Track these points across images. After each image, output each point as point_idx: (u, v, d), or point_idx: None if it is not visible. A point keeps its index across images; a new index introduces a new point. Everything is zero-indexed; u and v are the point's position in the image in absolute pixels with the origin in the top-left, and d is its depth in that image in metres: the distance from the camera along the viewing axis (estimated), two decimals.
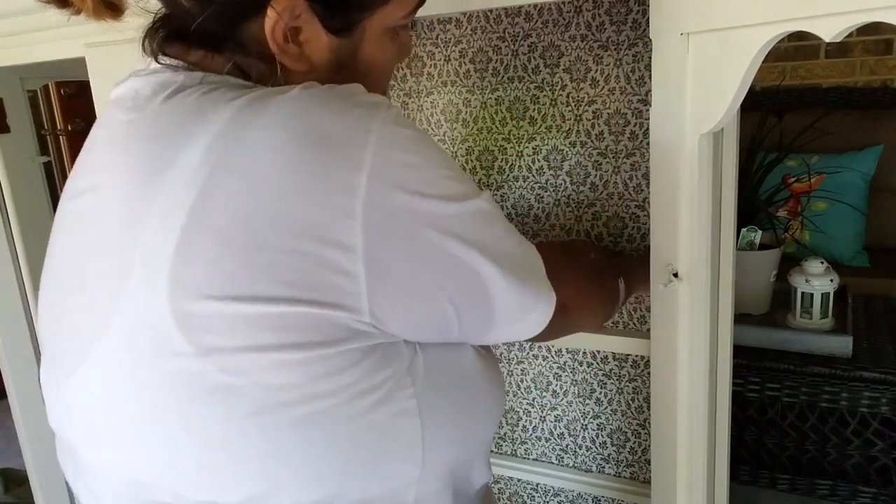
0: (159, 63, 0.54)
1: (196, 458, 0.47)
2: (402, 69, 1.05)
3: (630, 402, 1.03)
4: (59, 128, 2.07)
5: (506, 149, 1.02)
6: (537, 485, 1.14)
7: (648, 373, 0.94)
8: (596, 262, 0.87)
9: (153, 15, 0.57)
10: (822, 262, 1.59)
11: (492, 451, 1.16)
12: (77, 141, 2.04)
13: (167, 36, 0.55)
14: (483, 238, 0.52)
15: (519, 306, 0.56)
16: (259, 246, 0.44)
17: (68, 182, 0.56)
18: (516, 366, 1.10)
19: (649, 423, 0.88)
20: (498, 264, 0.52)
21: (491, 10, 0.97)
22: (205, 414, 0.46)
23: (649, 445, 1.01)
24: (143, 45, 0.56)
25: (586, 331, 0.99)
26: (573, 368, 1.06)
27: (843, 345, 1.58)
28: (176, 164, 0.47)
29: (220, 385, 0.45)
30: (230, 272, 0.44)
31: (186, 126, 0.48)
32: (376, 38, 0.58)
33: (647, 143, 0.90)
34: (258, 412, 0.46)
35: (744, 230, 1.62)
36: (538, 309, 0.57)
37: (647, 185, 0.93)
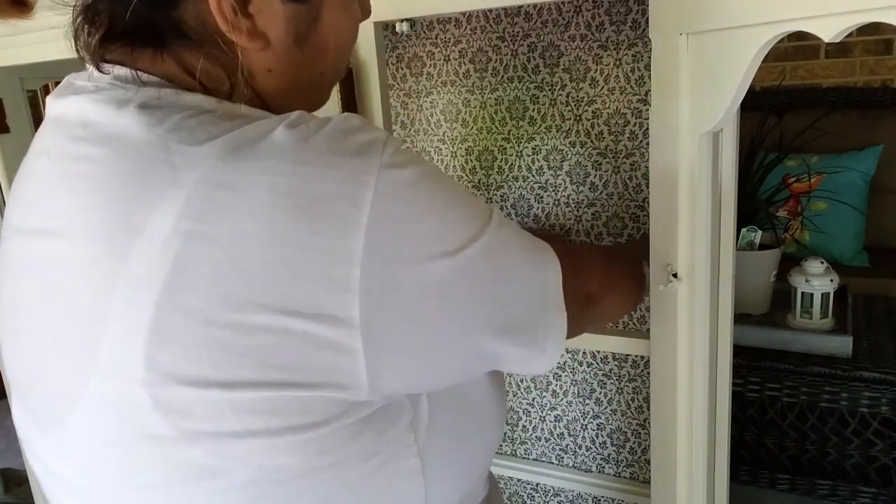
0: (102, 72, 0.48)
1: None
2: (402, 69, 1.05)
3: (630, 402, 1.03)
4: None
5: (506, 149, 1.02)
6: (537, 485, 1.14)
7: (648, 373, 0.94)
8: (617, 246, 0.85)
9: (71, 8, 0.49)
10: (822, 262, 1.59)
11: None
12: None
13: (104, 36, 0.48)
14: (490, 288, 0.49)
15: (528, 355, 0.54)
16: (242, 327, 0.40)
17: (12, 210, 0.50)
18: None
19: (649, 423, 0.88)
20: (505, 327, 0.50)
21: (491, 10, 0.97)
22: (193, 492, 0.43)
23: (649, 445, 1.01)
24: (75, 45, 0.49)
25: (615, 320, 0.98)
26: (573, 368, 1.06)
27: (843, 345, 1.58)
28: (146, 231, 0.41)
29: (208, 466, 0.42)
30: (210, 356, 0.40)
31: (154, 177, 0.42)
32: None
33: (647, 143, 0.90)
34: (251, 488, 0.43)
35: (744, 230, 1.62)
36: (546, 356, 0.55)
37: (647, 185, 0.93)
